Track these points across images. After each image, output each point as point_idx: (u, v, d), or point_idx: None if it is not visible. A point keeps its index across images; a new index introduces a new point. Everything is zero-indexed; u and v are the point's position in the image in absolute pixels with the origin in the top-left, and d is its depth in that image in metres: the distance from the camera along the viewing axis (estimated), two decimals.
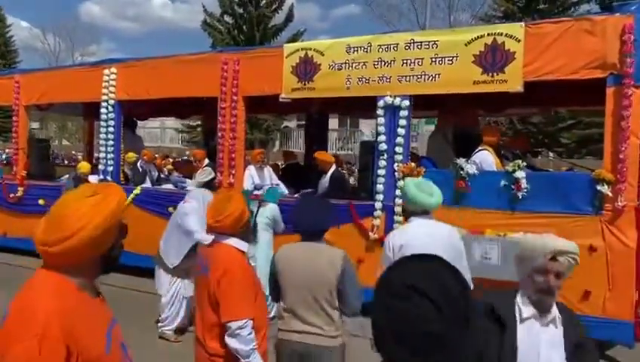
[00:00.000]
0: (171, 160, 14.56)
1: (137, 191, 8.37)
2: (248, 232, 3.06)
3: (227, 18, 31.01)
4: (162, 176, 10.05)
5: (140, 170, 9.15)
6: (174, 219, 5.95)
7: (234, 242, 2.91)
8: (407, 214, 3.72)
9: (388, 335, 1.24)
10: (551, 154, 25.40)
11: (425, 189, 3.64)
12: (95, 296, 1.77)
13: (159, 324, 5.85)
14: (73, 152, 24.57)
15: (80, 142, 28.79)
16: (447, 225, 3.75)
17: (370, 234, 6.62)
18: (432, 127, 11.53)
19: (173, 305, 5.80)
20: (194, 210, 5.78)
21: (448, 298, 1.22)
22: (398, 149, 6.58)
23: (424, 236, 3.44)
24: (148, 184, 9.02)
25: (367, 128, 30.59)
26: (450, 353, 1.19)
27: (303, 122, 28.23)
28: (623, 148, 5.50)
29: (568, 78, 5.81)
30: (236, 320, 2.74)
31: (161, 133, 30.15)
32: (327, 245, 3.16)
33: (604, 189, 5.56)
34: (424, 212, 3.61)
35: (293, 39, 28.16)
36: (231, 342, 2.74)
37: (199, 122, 29.17)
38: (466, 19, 32.40)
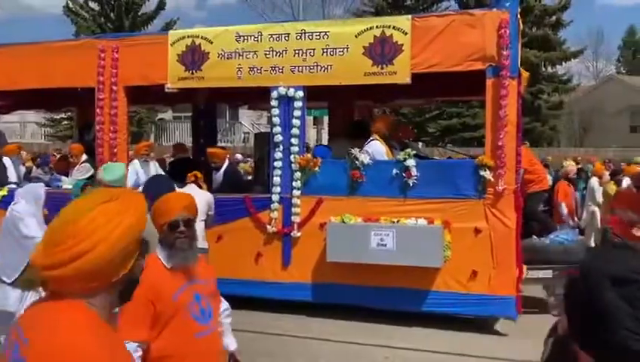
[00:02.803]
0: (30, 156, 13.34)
1: (4, 192, 7.52)
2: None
3: (92, 4, 29.00)
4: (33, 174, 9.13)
5: (6, 167, 8.21)
6: (5, 224, 5.21)
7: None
8: None
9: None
10: (420, 143, 27.05)
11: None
12: (115, 331, 1.42)
13: None
14: None
15: None
16: None
17: (268, 227, 6.52)
18: None
19: None
20: (27, 213, 5.24)
21: None
22: (294, 141, 6.53)
23: None
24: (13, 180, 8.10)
25: (247, 120, 30.33)
26: None
27: (180, 114, 27.64)
28: (502, 136, 5.91)
29: (452, 69, 6.13)
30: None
31: (21, 127, 27.49)
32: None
33: (487, 174, 5.95)
34: None
35: (166, 28, 27.01)
36: None
37: (63, 115, 27.18)
38: (339, 14, 33.23)
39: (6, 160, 8.37)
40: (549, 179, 9.80)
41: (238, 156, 15.54)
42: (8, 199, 7.29)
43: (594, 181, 9.76)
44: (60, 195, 6.07)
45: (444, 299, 6.08)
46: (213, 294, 2.69)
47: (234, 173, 7.70)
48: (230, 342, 2.85)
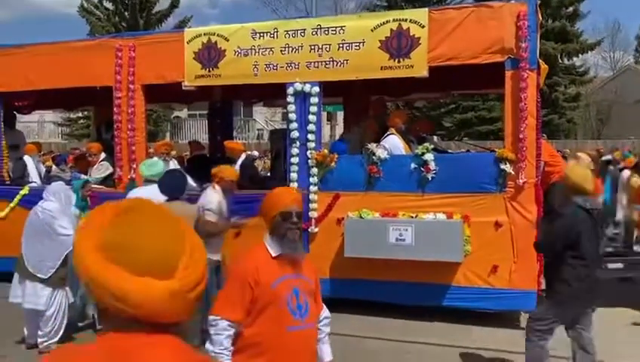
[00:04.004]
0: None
1: (25, 191, 7.61)
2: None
3: (107, 4, 29.17)
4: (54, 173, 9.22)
5: (27, 166, 8.33)
6: (37, 222, 5.34)
7: None
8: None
9: None
10: (435, 137, 26.88)
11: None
12: None
13: (40, 340, 5.37)
14: None
15: None
16: None
17: None
18: None
19: (57, 318, 5.36)
20: (60, 211, 5.32)
21: None
22: (310, 136, 6.52)
23: None
24: (36, 180, 8.21)
25: (261, 117, 30.40)
26: None
27: (195, 112, 27.74)
28: (522, 128, 5.84)
29: (470, 62, 6.07)
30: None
31: (39, 127, 27.82)
32: (182, 203, 5.02)
33: (507, 168, 5.89)
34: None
35: (180, 26, 27.11)
36: None
37: (80, 114, 27.44)
38: (352, 9, 33.07)
39: (27, 159, 8.48)
40: None
41: (255, 153, 15.56)
42: (29, 198, 7.42)
43: (625, 173, 9.42)
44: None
45: (465, 294, 6.04)
46: (312, 294, 2.68)
47: (250, 167, 7.72)
48: (326, 353, 2.80)
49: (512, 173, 5.86)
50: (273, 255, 2.57)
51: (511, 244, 5.89)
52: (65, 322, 5.47)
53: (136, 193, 5.67)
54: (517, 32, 5.81)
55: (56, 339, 5.39)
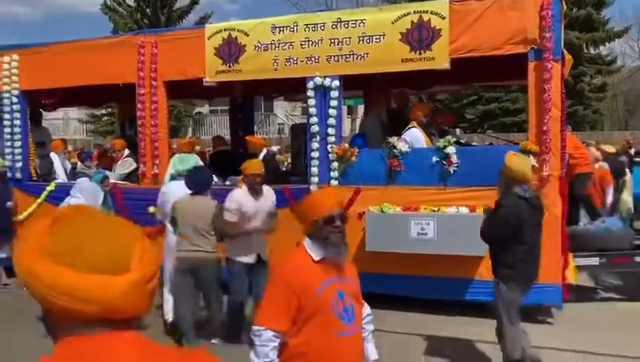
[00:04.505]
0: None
1: (51, 187, 7.76)
2: None
3: (129, 1, 29.50)
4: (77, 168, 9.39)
5: (54, 162, 8.49)
6: None
7: None
8: None
9: None
10: (457, 130, 26.60)
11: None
12: None
13: None
14: None
15: None
16: None
17: None
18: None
19: None
20: None
21: None
22: (331, 130, 6.51)
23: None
24: (62, 177, 8.37)
25: (281, 112, 30.44)
26: None
27: (216, 107, 27.93)
28: (546, 120, 5.75)
29: (492, 53, 5.99)
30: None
31: (64, 124, 28.31)
32: (204, 198, 5.25)
33: (531, 160, 5.79)
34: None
35: (200, 22, 27.30)
36: None
37: (104, 111, 27.84)
38: (372, 1, 32.86)
39: (53, 156, 8.64)
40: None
41: (274, 148, 15.60)
42: (56, 194, 7.57)
43: None
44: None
45: (488, 288, 5.98)
46: (356, 295, 2.58)
47: (271, 161, 7.73)
48: (371, 352, 2.70)
49: (536, 165, 5.77)
50: (315, 259, 2.45)
51: None
52: None
53: (170, 187, 5.85)
54: (540, 21, 5.71)
55: None
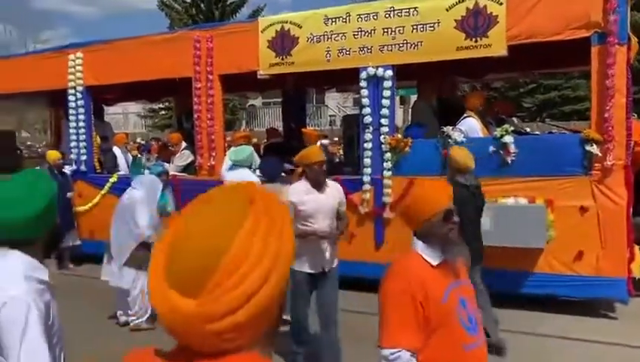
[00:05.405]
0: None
1: (114, 178, 8.08)
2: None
3: None
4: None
5: (116, 156, 8.87)
6: (121, 209, 5.66)
7: None
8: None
9: None
10: (515, 119, 25.80)
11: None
12: None
13: (131, 318, 5.72)
14: (29, 143, 23.16)
15: (39, 134, 27.74)
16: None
17: (360, 208, 6.53)
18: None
19: (142, 298, 5.66)
20: (143, 202, 5.56)
21: None
22: (384, 121, 6.46)
23: None
24: (124, 169, 8.73)
25: (333, 103, 30.43)
26: None
27: (269, 100, 28.21)
28: (609, 107, 5.51)
29: (552, 39, 5.77)
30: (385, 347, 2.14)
31: (124, 118, 29.35)
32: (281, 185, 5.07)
33: (593, 149, 5.58)
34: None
35: (253, 15, 27.58)
36: None
37: (161, 105, 28.62)
38: None
39: (116, 149, 9.01)
40: None
41: (324, 141, 15.58)
42: (118, 185, 7.88)
43: None
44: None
45: (548, 281, 5.82)
46: (474, 300, 2.31)
47: (325, 153, 7.74)
48: None
49: (599, 154, 5.55)
50: (434, 264, 2.19)
51: (597, 230, 5.60)
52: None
53: (230, 176, 6.20)
54: (604, 4, 5.45)
55: (144, 319, 5.70)
